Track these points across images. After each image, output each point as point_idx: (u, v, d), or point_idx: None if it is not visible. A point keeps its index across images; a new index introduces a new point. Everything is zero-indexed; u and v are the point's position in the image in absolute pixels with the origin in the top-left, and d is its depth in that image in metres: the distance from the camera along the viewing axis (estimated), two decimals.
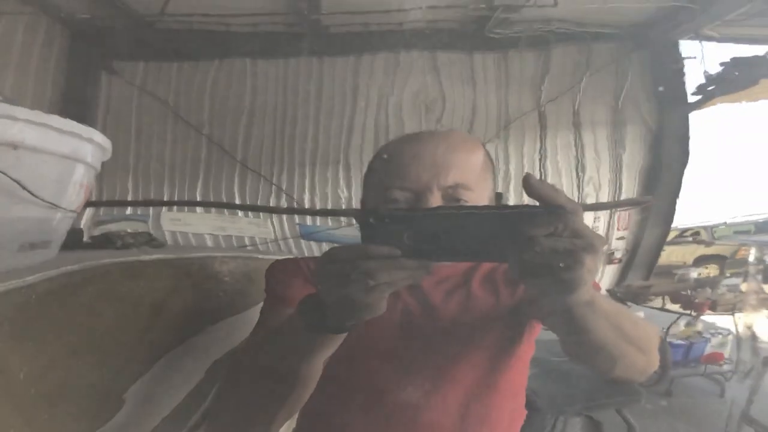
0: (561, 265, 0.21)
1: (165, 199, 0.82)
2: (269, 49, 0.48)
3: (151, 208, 0.93)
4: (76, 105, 0.74)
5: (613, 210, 0.72)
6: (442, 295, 0.32)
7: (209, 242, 0.91)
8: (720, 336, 0.55)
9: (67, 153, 0.39)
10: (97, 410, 0.35)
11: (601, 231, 0.49)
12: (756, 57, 0.76)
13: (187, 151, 0.66)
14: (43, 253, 0.41)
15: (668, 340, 0.56)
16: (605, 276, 0.64)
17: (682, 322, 0.52)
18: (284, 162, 0.67)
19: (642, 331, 0.28)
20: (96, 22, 0.47)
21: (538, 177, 0.23)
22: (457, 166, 0.31)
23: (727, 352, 0.54)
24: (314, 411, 0.32)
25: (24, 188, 0.37)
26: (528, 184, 0.22)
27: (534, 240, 0.21)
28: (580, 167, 0.82)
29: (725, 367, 0.61)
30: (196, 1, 0.44)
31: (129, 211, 0.84)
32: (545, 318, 0.29)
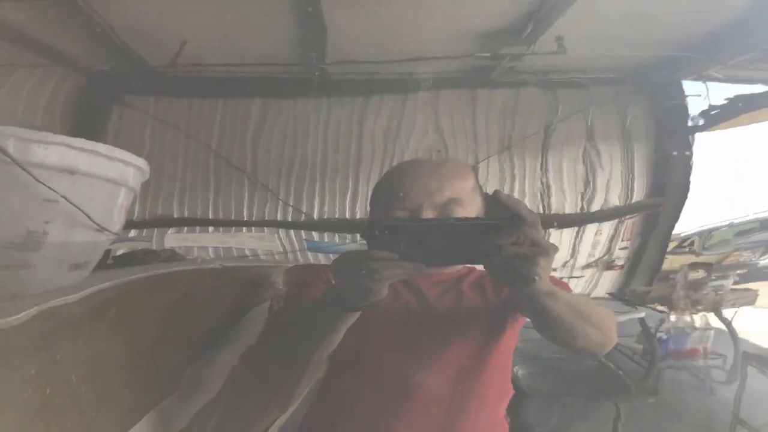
0: (522, 266, 0.29)
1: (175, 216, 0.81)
2: (277, 91, 0.49)
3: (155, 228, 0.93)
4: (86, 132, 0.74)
5: (621, 220, 0.73)
6: (437, 294, 0.40)
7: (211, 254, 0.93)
8: (698, 331, 0.58)
9: (114, 177, 0.43)
10: (156, 392, 0.40)
11: (604, 241, 0.52)
12: (763, 93, 0.78)
13: (198, 172, 0.67)
14: (84, 272, 0.45)
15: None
16: (606, 280, 0.66)
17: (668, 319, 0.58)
18: (291, 187, 0.68)
19: (596, 312, 0.36)
20: (110, 71, 0.48)
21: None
22: (449, 188, 0.39)
23: (708, 347, 0.58)
24: (331, 390, 0.40)
25: (84, 213, 0.41)
26: (497, 198, 0.30)
27: (501, 247, 0.29)
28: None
29: (709, 362, 0.64)
30: (208, 51, 0.46)
31: (133, 233, 0.84)
32: (522, 309, 0.38)
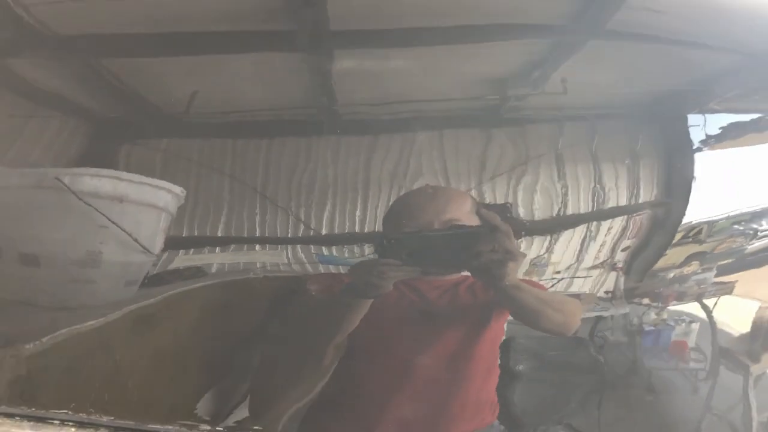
0: (495, 268, 0.41)
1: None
2: (287, 131, 0.52)
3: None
4: None
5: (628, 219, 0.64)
6: (436, 295, 0.47)
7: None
8: (683, 323, 0.48)
9: (158, 204, 0.48)
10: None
11: (609, 245, 0.46)
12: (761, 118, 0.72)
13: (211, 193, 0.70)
14: (135, 288, 0.50)
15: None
16: (608, 280, 0.56)
17: (652, 312, 0.48)
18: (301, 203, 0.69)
19: (558, 299, 0.46)
20: (121, 118, 0.54)
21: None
22: (450, 211, 0.45)
23: (691, 341, 0.47)
24: (344, 371, 0.45)
25: (131, 236, 0.46)
26: (479, 214, 0.42)
27: (480, 253, 0.41)
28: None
29: (692, 357, 0.53)
30: (220, 99, 0.50)
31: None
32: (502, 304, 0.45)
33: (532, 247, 0.47)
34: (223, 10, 0.51)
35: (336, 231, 0.43)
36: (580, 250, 0.47)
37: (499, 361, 0.47)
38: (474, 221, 0.45)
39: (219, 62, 0.49)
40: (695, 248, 0.54)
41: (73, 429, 0.40)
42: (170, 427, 0.41)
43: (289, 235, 0.45)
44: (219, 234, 0.46)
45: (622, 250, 0.49)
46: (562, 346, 0.50)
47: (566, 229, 0.47)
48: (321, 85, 0.49)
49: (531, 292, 0.43)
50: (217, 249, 0.46)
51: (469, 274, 0.45)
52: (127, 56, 0.50)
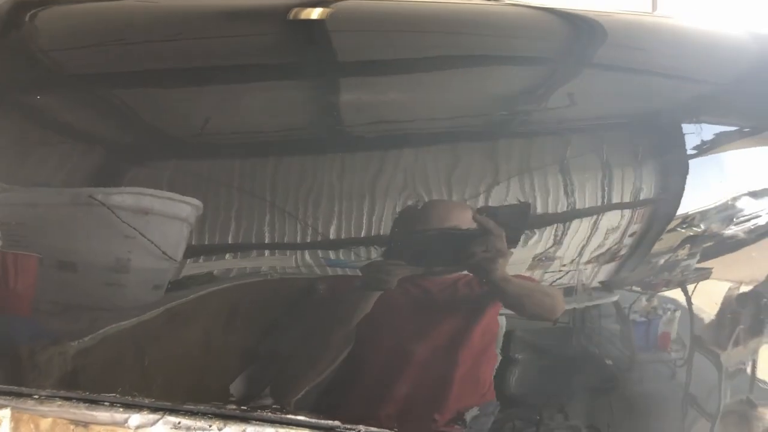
0: (487, 264, 0.49)
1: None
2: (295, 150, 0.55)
3: None
4: None
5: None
6: (439, 290, 0.54)
7: None
8: (669, 312, 0.51)
9: (180, 215, 0.54)
10: None
11: (619, 232, 0.50)
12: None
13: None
14: (160, 292, 0.56)
15: (631, 317, 0.54)
16: (607, 269, 0.61)
17: (643, 298, 0.51)
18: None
19: (541, 288, 0.52)
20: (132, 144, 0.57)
21: None
22: (451, 219, 0.52)
23: (674, 332, 0.51)
24: (356, 357, 0.53)
25: (156, 245, 0.53)
26: (475, 218, 0.50)
27: (474, 253, 0.49)
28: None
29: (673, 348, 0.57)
30: (233, 123, 0.54)
31: None
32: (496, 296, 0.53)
33: (540, 242, 0.53)
34: (234, 46, 0.56)
35: (342, 237, 0.49)
36: (586, 244, 0.53)
37: (499, 349, 0.53)
38: (472, 227, 0.50)
39: (232, 91, 0.54)
40: (688, 233, 0.58)
41: (120, 409, 0.48)
42: (203, 406, 0.49)
43: (299, 241, 0.51)
44: (235, 241, 0.53)
45: (626, 240, 0.55)
46: (557, 337, 0.57)
47: (574, 222, 0.52)
48: (327, 109, 0.54)
49: (518, 283, 0.51)
50: (233, 255, 0.53)
51: (467, 272, 0.51)
52: (148, 88, 0.55)
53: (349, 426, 0.50)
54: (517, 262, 0.51)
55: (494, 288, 0.50)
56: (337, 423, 0.50)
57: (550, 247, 0.53)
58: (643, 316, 0.58)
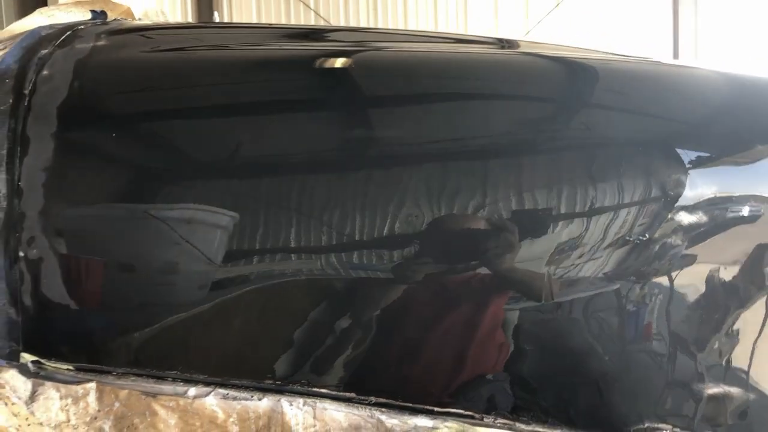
0: (497, 257, 0.59)
1: None
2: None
3: None
4: None
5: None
6: (456, 285, 0.64)
7: None
8: (652, 299, 0.54)
9: (220, 224, 0.64)
10: None
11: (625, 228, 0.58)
12: None
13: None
14: (204, 291, 0.67)
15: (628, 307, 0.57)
16: (615, 258, 0.66)
17: (637, 287, 0.54)
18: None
19: (531, 274, 0.61)
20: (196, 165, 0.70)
21: None
22: (469, 224, 0.61)
23: (654, 323, 0.54)
24: (386, 339, 0.63)
25: (199, 251, 0.63)
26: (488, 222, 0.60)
27: (487, 249, 0.59)
28: None
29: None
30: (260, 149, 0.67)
31: None
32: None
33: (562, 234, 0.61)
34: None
35: (365, 240, 0.58)
36: (603, 237, 0.61)
37: (510, 339, 0.62)
38: (483, 230, 0.60)
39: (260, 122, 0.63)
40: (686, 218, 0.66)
41: (181, 383, 0.60)
42: (245, 381, 0.61)
43: (323, 245, 0.60)
44: (263, 246, 0.62)
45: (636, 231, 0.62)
46: (560, 329, 0.65)
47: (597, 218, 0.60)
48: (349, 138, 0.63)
49: (521, 272, 0.61)
50: (263, 258, 0.63)
51: (482, 270, 0.60)
52: (182, 119, 0.64)
53: (363, 397, 0.61)
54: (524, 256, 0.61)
55: (502, 276, 0.60)
56: (352, 394, 0.61)
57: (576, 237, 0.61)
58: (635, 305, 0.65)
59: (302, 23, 6.55)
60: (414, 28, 6.41)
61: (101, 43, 0.72)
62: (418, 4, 6.24)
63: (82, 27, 0.75)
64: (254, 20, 6.57)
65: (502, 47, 0.90)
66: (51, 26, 0.74)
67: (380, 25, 6.43)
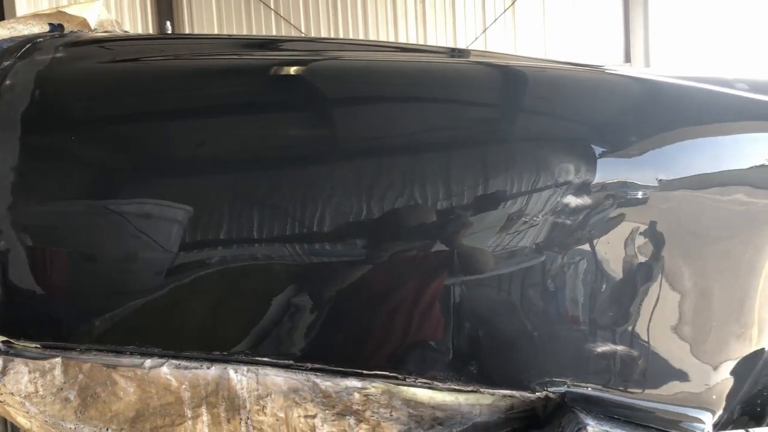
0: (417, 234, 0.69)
1: None
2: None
3: None
4: None
5: None
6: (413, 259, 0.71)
7: None
8: (558, 272, 0.66)
9: (172, 217, 0.72)
10: None
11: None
12: None
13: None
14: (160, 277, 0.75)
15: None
16: None
17: (542, 260, 0.69)
18: None
19: (491, 257, 0.72)
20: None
21: None
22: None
23: (558, 291, 0.66)
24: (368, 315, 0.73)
25: (156, 242, 0.72)
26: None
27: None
28: None
29: None
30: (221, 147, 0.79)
31: None
32: None
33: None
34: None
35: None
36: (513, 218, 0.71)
37: (430, 309, 0.71)
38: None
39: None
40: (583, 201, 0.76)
41: (138, 356, 0.69)
42: (195, 353, 0.70)
43: (259, 233, 0.70)
44: (210, 236, 0.72)
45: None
46: (473, 299, 0.74)
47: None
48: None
49: (482, 253, 0.70)
50: (215, 247, 0.72)
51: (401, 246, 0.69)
52: (136, 123, 0.74)
53: (300, 363, 0.71)
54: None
55: (460, 255, 0.69)
56: (290, 361, 0.71)
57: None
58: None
59: (261, 23, 6.58)
60: (373, 26, 6.52)
61: (59, 54, 0.80)
62: (377, 4, 6.36)
63: (41, 40, 0.82)
64: (214, 19, 6.55)
65: (452, 56, 1.00)
66: (12, 39, 0.80)
67: (339, 25, 6.52)
